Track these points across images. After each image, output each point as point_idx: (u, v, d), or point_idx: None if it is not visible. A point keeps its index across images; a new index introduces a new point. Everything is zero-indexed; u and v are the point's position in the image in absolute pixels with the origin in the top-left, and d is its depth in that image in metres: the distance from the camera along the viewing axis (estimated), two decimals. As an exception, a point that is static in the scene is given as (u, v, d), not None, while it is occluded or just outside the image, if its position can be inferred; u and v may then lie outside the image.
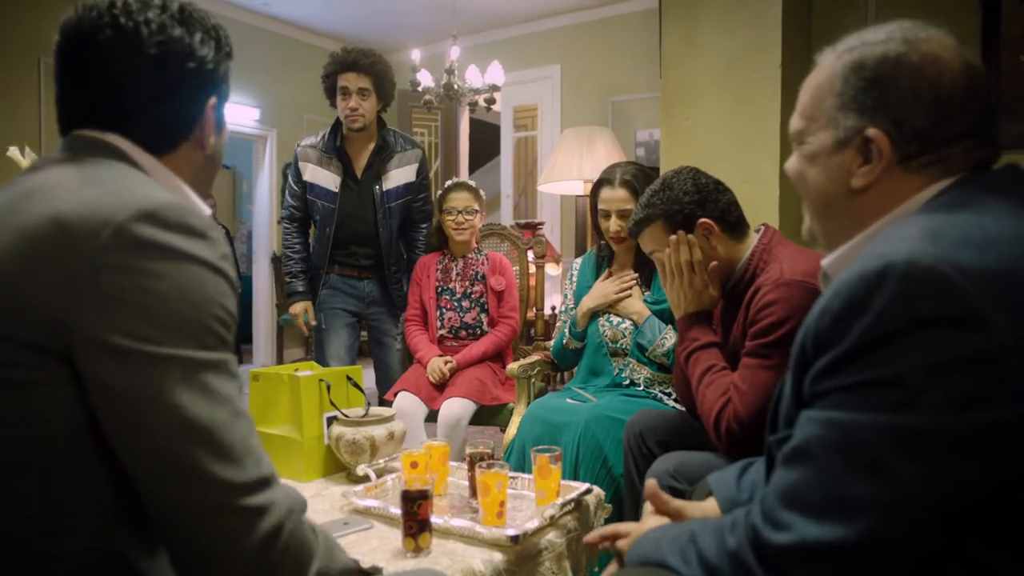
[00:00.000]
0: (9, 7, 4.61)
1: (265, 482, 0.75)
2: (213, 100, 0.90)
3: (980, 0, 2.88)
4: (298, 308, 2.82)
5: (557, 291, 4.47)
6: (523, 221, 5.36)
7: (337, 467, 1.86)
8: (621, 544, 1.08)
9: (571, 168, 4.34)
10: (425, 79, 4.96)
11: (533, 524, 1.43)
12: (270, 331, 6.44)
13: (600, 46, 5.87)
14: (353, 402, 1.95)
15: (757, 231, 1.70)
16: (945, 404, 0.64)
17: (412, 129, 6.55)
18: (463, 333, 2.74)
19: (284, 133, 6.37)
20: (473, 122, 7.15)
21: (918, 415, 0.65)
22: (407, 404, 2.50)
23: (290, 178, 2.88)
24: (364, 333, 3.02)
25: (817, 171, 0.88)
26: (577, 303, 2.38)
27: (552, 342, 2.54)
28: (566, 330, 2.39)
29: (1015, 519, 0.66)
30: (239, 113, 5.95)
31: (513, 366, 2.47)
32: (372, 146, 2.82)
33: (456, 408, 2.44)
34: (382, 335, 2.92)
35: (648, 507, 1.15)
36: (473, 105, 5.17)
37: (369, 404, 1.94)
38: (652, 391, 2.19)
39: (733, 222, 1.67)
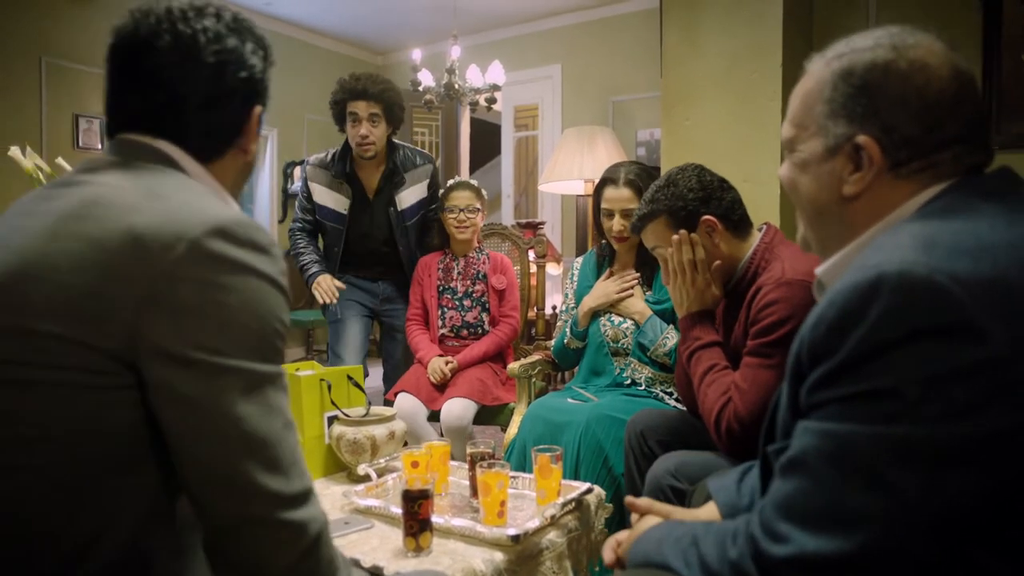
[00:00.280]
0: (10, 7, 4.61)
1: (308, 495, 0.78)
2: (259, 108, 0.93)
3: (981, 0, 2.88)
4: (322, 278, 2.72)
5: (558, 291, 4.47)
6: (524, 221, 5.36)
7: (338, 466, 1.86)
8: (620, 551, 1.08)
9: (572, 168, 4.33)
10: (426, 79, 4.96)
11: (534, 524, 1.43)
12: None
13: (601, 46, 5.87)
14: (354, 401, 1.95)
15: (759, 230, 1.70)
16: (943, 414, 0.64)
17: (413, 129, 6.55)
18: (464, 332, 2.74)
19: (285, 133, 6.37)
20: (474, 122, 7.15)
21: (915, 426, 0.64)
22: (408, 405, 2.49)
23: (300, 194, 2.87)
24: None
25: (809, 179, 0.88)
26: (578, 303, 2.38)
27: (553, 342, 2.54)
28: (567, 330, 2.39)
29: (1015, 527, 0.65)
30: (240, 113, 5.93)
31: (514, 365, 2.47)
32: (383, 169, 2.79)
33: (458, 408, 2.44)
34: (396, 331, 2.92)
35: (635, 516, 1.15)
36: (474, 105, 5.18)
37: (370, 404, 1.94)
38: (653, 390, 2.19)
39: (736, 220, 1.67)
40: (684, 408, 1.91)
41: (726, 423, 1.52)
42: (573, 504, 1.57)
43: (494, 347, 2.69)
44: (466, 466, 1.69)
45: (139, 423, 0.74)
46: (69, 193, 0.79)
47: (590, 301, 2.29)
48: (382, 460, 1.78)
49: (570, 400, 2.20)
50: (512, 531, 1.37)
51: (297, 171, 6.28)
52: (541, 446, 1.59)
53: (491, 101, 4.83)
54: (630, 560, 0.99)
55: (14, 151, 2.22)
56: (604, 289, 2.28)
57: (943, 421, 0.64)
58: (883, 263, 0.68)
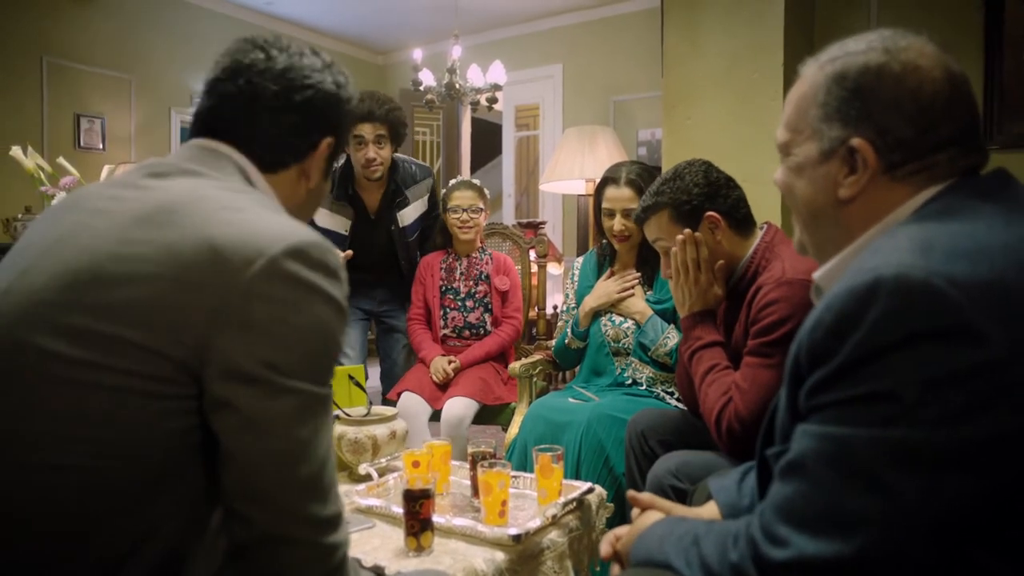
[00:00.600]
0: (11, 6, 4.61)
1: (340, 517, 0.79)
2: (331, 140, 0.96)
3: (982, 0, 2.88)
4: None
5: (559, 290, 4.47)
6: (525, 220, 5.35)
7: (339, 466, 1.86)
8: (619, 546, 1.08)
9: (573, 167, 4.33)
10: (427, 78, 4.96)
11: (535, 523, 1.43)
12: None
13: (602, 45, 5.87)
14: (355, 401, 1.95)
15: (760, 229, 1.70)
16: (941, 417, 0.64)
17: (414, 129, 6.55)
18: (466, 333, 2.74)
19: (286, 132, 6.37)
20: (475, 121, 7.15)
21: (913, 429, 0.64)
22: (411, 404, 2.49)
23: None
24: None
25: (804, 183, 0.88)
26: (578, 302, 2.38)
27: (554, 341, 2.54)
28: (568, 330, 2.39)
29: (1014, 528, 0.65)
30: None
31: (515, 365, 2.47)
32: (384, 188, 2.75)
33: (459, 407, 2.44)
34: (393, 331, 2.92)
35: (636, 510, 1.15)
36: (475, 104, 5.18)
37: (371, 403, 1.94)
38: (654, 390, 2.19)
39: (740, 219, 1.67)
40: (685, 408, 1.91)
41: (727, 423, 1.52)
42: (574, 504, 1.57)
43: (496, 347, 2.69)
44: (467, 466, 1.69)
45: (192, 431, 0.75)
46: (140, 197, 0.80)
47: (591, 301, 2.29)
48: (383, 460, 1.78)
49: (571, 400, 2.20)
50: (513, 531, 1.37)
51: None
52: (542, 446, 1.59)
53: (492, 101, 4.84)
54: (632, 556, 0.99)
55: (15, 151, 2.23)
56: (605, 289, 2.28)
57: (941, 424, 0.64)
58: (880, 266, 0.68)
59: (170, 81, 5.43)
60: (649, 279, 2.27)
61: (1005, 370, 0.64)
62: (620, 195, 2.23)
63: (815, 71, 0.86)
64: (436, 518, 1.38)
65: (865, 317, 0.67)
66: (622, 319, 2.25)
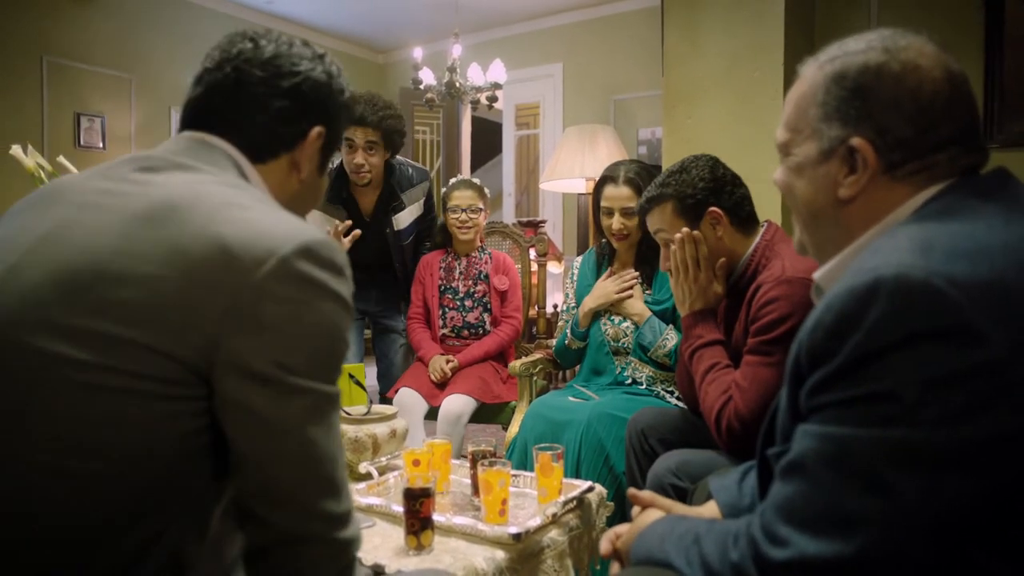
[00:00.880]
0: (11, 6, 4.61)
1: (352, 513, 0.80)
2: (321, 129, 0.94)
3: (983, -1, 2.88)
4: None
5: (559, 289, 4.47)
6: (525, 219, 5.35)
7: (339, 465, 1.86)
8: (619, 544, 1.08)
9: (573, 166, 4.33)
10: (427, 77, 4.96)
11: (535, 522, 1.43)
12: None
13: (602, 44, 5.87)
14: (355, 400, 1.95)
15: (761, 227, 1.70)
16: (941, 417, 0.64)
17: (414, 128, 6.55)
18: (466, 332, 2.73)
19: (286, 131, 6.37)
20: (475, 120, 7.15)
21: (914, 429, 0.64)
22: (408, 400, 2.50)
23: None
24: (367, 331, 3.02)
25: (804, 183, 0.88)
26: (578, 302, 2.38)
27: (554, 340, 2.54)
28: (568, 330, 2.38)
29: (1015, 528, 0.65)
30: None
31: (515, 364, 2.47)
32: (380, 191, 2.71)
33: (457, 404, 2.44)
34: (390, 332, 2.91)
35: (636, 508, 1.15)
36: (475, 103, 5.19)
37: (371, 402, 1.95)
38: (654, 389, 2.19)
39: (743, 217, 1.67)
40: (685, 406, 1.92)
41: (726, 421, 1.52)
42: (574, 502, 1.57)
43: (496, 347, 2.68)
44: (467, 464, 1.69)
45: (201, 433, 0.74)
46: (136, 192, 0.78)
47: (590, 302, 2.29)
48: (383, 458, 1.78)
49: (571, 399, 2.20)
50: (513, 529, 1.37)
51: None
52: (542, 444, 1.60)
53: (492, 99, 4.84)
54: (632, 554, 0.99)
55: (15, 150, 2.22)
56: (603, 289, 2.28)
57: (941, 424, 0.64)
58: (880, 267, 0.68)
59: (170, 80, 5.42)
60: (648, 278, 2.27)
61: (1005, 370, 0.64)
62: (619, 194, 2.23)
63: (814, 71, 0.86)
64: (436, 517, 1.38)
65: (865, 317, 0.67)
66: (622, 318, 2.25)
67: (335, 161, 2.67)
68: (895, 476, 0.65)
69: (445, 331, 2.73)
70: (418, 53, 5.04)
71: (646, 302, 2.23)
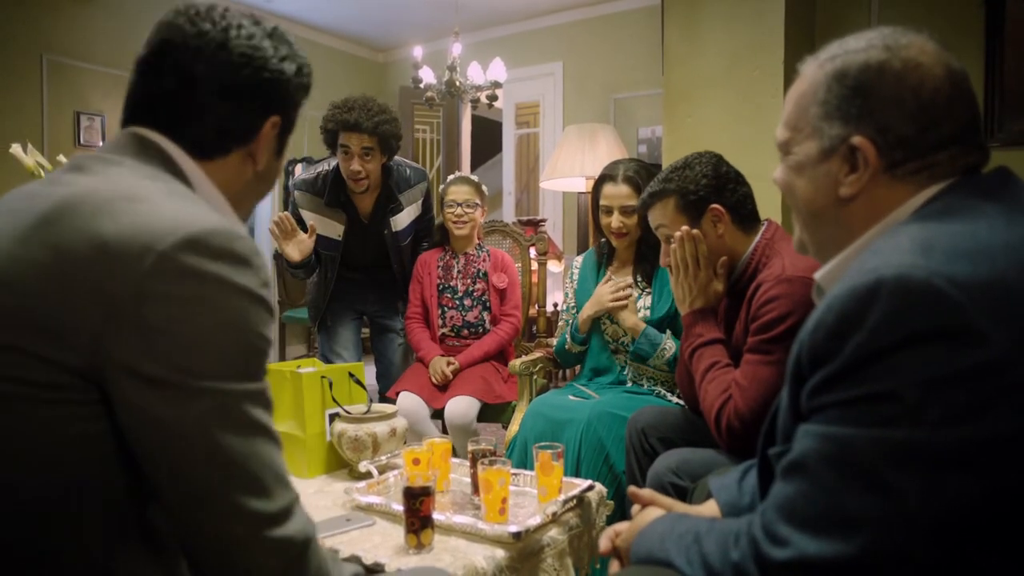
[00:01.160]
0: (11, 5, 4.61)
1: (291, 509, 0.76)
2: (276, 119, 0.90)
3: (983, -3, 2.88)
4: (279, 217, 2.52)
5: (559, 288, 4.48)
6: (525, 218, 5.35)
7: (339, 463, 1.86)
8: (618, 542, 1.08)
9: (573, 165, 4.33)
10: (427, 76, 4.96)
11: (535, 521, 1.43)
12: (273, 328, 6.43)
13: (602, 43, 5.86)
14: (355, 399, 1.95)
15: (761, 225, 1.70)
16: (943, 417, 0.64)
17: (414, 127, 6.55)
18: (465, 332, 2.72)
19: (286, 130, 6.37)
20: (475, 119, 7.15)
21: (915, 429, 0.64)
22: (409, 404, 2.49)
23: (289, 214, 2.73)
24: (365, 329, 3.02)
25: (804, 181, 0.88)
26: (578, 301, 2.38)
27: (554, 339, 2.54)
28: (567, 334, 2.38)
29: (1015, 529, 0.65)
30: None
31: (515, 363, 2.46)
32: (378, 194, 2.68)
33: (462, 406, 2.43)
34: (388, 331, 2.90)
35: (636, 507, 1.15)
36: (475, 102, 5.17)
37: (371, 401, 1.95)
38: (655, 388, 2.19)
39: (745, 215, 1.67)
40: (685, 405, 1.92)
41: (726, 420, 1.52)
42: (574, 501, 1.57)
43: (495, 347, 2.67)
44: (467, 463, 1.69)
45: (102, 437, 0.71)
46: (51, 193, 0.74)
47: (588, 309, 2.28)
48: (383, 457, 1.78)
49: (571, 397, 2.20)
50: (513, 528, 1.37)
51: (299, 169, 6.28)
52: (542, 443, 1.59)
53: (492, 98, 4.83)
54: (632, 553, 0.99)
55: (15, 149, 2.22)
56: (598, 296, 2.26)
57: (943, 424, 0.64)
58: (881, 267, 0.68)
59: (170, 79, 5.42)
60: (648, 276, 2.27)
61: (1006, 370, 0.64)
62: (618, 192, 2.23)
63: (815, 69, 0.86)
64: (436, 515, 1.38)
65: (866, 318, 0.67)
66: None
67: (332, 164, 2.66)
68: (896, 476, 0.65)
69: (444, 330, 2.72)
70: (418, 52, 5.03)
71: (649, 306, 2.23)
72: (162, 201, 0.74)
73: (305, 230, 2.58)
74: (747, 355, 1.54)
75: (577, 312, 2.37)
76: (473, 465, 1.61)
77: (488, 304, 2.72)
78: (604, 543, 1.11)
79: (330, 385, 1.87)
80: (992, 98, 2.91)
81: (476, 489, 1.61)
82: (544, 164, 5.78)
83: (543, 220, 5.16)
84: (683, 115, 3.13)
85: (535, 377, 2.52)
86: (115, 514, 0.74)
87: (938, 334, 0.64)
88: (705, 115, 3.07)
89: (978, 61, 2.91)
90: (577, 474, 1.94)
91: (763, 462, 0.93)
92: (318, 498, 1.64)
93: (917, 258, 0.68)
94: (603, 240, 2.38)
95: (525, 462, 2.01)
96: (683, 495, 1.46)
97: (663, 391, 2.18)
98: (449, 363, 2.58)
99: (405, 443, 1.86)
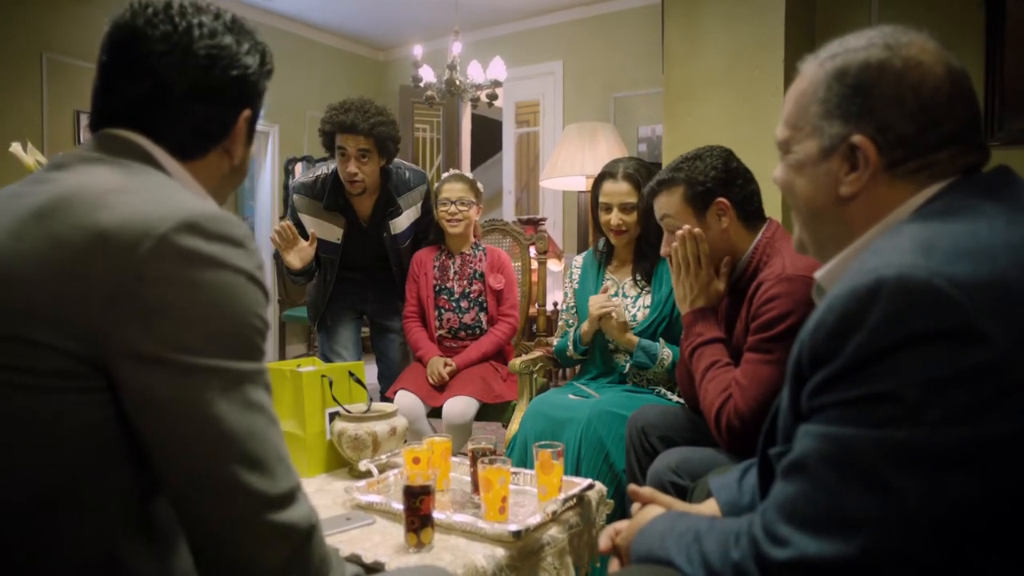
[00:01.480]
0: (11, 4, 4.61)
1: (294, 494, 0.76)
2: (248, 112, 0.91)
3: (984, -3, 2.88)
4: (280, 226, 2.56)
5: (559, 287, 4.47)
6: (525, 217, 5.36)
7: (339, 463, 1.86)
8: (618, 540, 1.08)
9: (573, 164, 4.33)
10: (427, 75, 4.96)
11: (535, 520, 1.43)
12: (273, 327, 6.45)
13: (602, 42, 5.86)
14: (355, 398, 1.95)
15: (764, 223, 1.70)
16: (943, 418, 0.64)
17: (414, 125, 6.55)
18: (462, 334, 2.70)
19: (286, 129, 6.37)
20: (475, 118, 7.15)
21: (916, 429, 0.64)
22: (407, 403, 2.48)
23: (288, 219, 2.72)
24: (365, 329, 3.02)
25: (804, 180, 0.88)
26: (577, 302, 2.38)
27: (553, 338, 2.54)
28: (569, 341, 2.37)
29: (1016, 530, 0.65)
30: (241, 109, 5.95)
31: (515, 362, 2.46)
32: (377, 196, 2.67)
33: (460, 406, 2.43)
34: (388, 331, 2.90)
35: (636, 505, 1.15)
36: (475, 101, 5.17)
37: (371, 400, 1.95)
38: (655, 387, 2.19)
39: (750, 212, 1.67)
40: (685, 404, 1.92)
41: (726, 419, 1.52)
42: (574, 500, 1.57)
43: (493, 347, 2.65)
44: (467, 462, 1.69)
45: (109, 424, 0.72)
46: (38, 191, 0.76)
47: (586, 325, 2.28)
48: (383, 456, 1.78)
49: (571, 396, 2.20)
50: (513, 527, 1.37)
51: (298, 167, 6.29)
52: (542, 442, 1.59)
53: (492, 97, 4.83)
54: (632, 551, 0.99)
55: (15, 147, 2.22)
56: (591, 310, 2.24)
57: (943, 424, 0.64)
58: (882, 267, 0.68)
59: (170, 77, 5.42)
60: (647, 275, 2.27)
61: (1007, 370, 0.63)
62: (617, 189, 2.23)
63: (815, 68, 0.86)
64: (436, 514, 1.38)
65: (867, 318, 0.67)
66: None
67: (330, 167, 2.66)
68: (896, 476, 0.65)
69: (442, 332, 2.70)
70: (418, 51, 5.03)
71: (644, 313, 2.23)
72: (155, 191, 0.76)
73: (304, 233, 2.58)
74: (747, 354, 1.54)
75: (576, 312, 2.37)
76: (473, 464, 1.61)
77: (485, 305, 2.70)
78: (604, 541, 1.11)
79: (330, 384, 1.87)
80: (992, 97, 2.91)
81: (476, 488, 1.61)
82: (544, 163, 5.78)
83: (543, 219, 5.16)
84: (683, 114, 3.13)
85: (535, 376, 2.52)
86: (118, 506, 0.74)
87: (939, 334, 0.64)
88: (705, 114, 3.07)
89: (978, 60, 2.91)
90: (577, 473, 1.95)
91: (763, 462, 0.93)
92: (318, 497, 1.64)
93: (918, 258, 0.68)
94: (602, 240, 2.38)
95: (525, 461, 2.01)
96: (683, 494, 1.46)
97: (663, 390, 2.18)
98: (446, 364, 2.57)
99: (405, 442, 1.86)
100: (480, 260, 2.71)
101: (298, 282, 2.72)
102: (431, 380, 2.56)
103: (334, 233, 2.68)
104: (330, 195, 2.63)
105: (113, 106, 0.85)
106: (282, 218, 6.18)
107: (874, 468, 0.66)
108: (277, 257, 2.74)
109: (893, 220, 0.80)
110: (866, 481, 0.66)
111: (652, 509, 1.09)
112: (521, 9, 6.03)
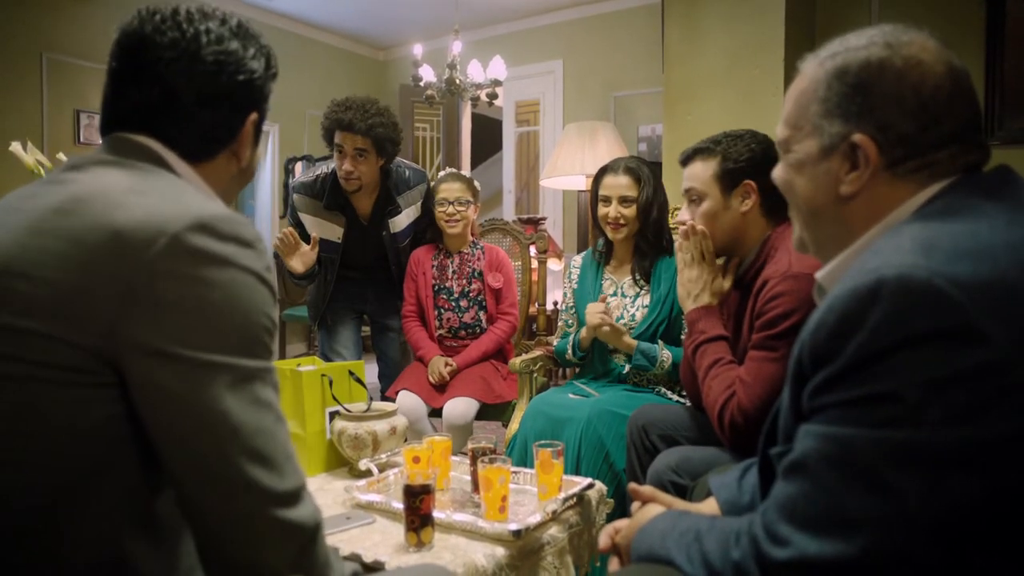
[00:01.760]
0: (11, 3, 4.61)
1: (301, 492, 0.77)
2: (254, 116, 0.93)
3: (984, -4, 2.88)
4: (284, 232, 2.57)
5: (559, 286, 4.47)
6: (525, 216, 5.36)
7: (339, 462, 1.86)
8: (618, 539, 1.08)
9: (573, 163, 4.33)
10: (427, 74, 4.96)
11: (535, 519, 1.43)
12: (276, 312, 6.43)
13: (602, 41, 5.86)
14: (355, 397, 1.95)
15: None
16: (944, 418, 0.64)
17: (414, 125, 6.54)
18: (463, 333, 2.69)
19: (286, 128, 6.37)
20: (475, 117, 7.15)
21: (916, 429, 0.64)
22: (409, 403, 2.48)
23: (288, 218, 2.75)
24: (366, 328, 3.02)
25: (805, 180, 0.87)
26: (576, 302, 2.38)
27: (553, 338, 2.54)
28: (568, 344, 2.36)
29: (1016, 530, 0.65)
30: (241, 108, 5.95)
31: (515, 361, 2.46)
32: (376, 196, 2.66)
33: (461, 407, 2.42)
34: (389, 331, 2.90)
35: (636, 504, 1.15)
36: (475, 100, 5.17)
37: (371, 399, 1.95)
38: (655, 387, 2.19)
39: (774, 205, 1.64)
40: (686, 403, 1.92)
41: (729, 416, 1.52)
42: (574, 499, 1.57)
43: (493, 346, 2.65)
44: (467, 461, 1.69)
45: (119, 420, 0.73)
46: (54, 191, 0.78)
47: (584, 331, 2.28)
48: (383, 455, 1.78)
49: (572, 395, 2.20)
50: (513, 526, 1.37)
51: (298, 167, 6.28)
52: (542, 441, 1.59)
53: (492, 96, 4.83)
54: (633, 550, 0.99)
55: (15, 147, 2.22)
56: (588, 319, 2.23)
57: (944, 425, 0.64)
58: (882, 267, 0.68)
59: (170, 77, 5.42)
60: (646, 273, 2.27)
61: (1007, 370, 0.63)
62: (617, 182, 2.23)
63: (815, 67, 0.86)
64: (436, 514, 1.38)
65: (868, 318, 0.67)
66: (619, 316, 2.25)
67: (330, 166, 2.65)
68: (897, 476, 0.65)
69: (442, 331, 2.70)
70: (418, 50, 5.03)
71: (643, 312, 2.23)
72: (168, 192, 0.79)
73: (304, 233, 2.58)
74: (751, 351, 1.53)
75: (576, 312, 2.37)
76: (473, 463, 1.61)
77: (484, 304, 2.69)
78: (604, 540, 1.11)
79: (330, 383, 1.87)
80: (992, 96, 2.91)
81: (476, 487, 1.61)
82: (544, 162, 5.78)
83: (543, 218, 5.16)
84: (683, 113, 3.13)
85: (535, 375, 2.52)
86: (125, 504, 0.75)
87: (939, 334, 0.64)
88: (705, 113, 3.07)
89: (978, 59, 2.91)
90: (577, 472, 1.94)
91: (764, 461, 0.93)
92: (318, 496, 1.62)
93: (918, 258, 0.68)
94: (601, 239, 2.38)
95: (525, 460, 2.01)
96: (683, 493, 1.46)
97: (664, 389, 2.18)
98: (447, 364, 2.56)
99: (405, 441, 1.86)
100: (478, 259, 2.71)
101: (300, 285, 2.72)
102: (432, 380, 2.55)
103: (334, 232, 2.67)
104: (330, 194, 2.62)
105: (124, 111, 0.87)
106: (282, 217, 6.24)
107: (874, 468, 0.66)
108: (277, 257, 2.75)
109: (893, 220, 0.80)
110: (866, 481, 0.66)
111: (652, 508, 1.09)
112: (521, 8, 6.03)
